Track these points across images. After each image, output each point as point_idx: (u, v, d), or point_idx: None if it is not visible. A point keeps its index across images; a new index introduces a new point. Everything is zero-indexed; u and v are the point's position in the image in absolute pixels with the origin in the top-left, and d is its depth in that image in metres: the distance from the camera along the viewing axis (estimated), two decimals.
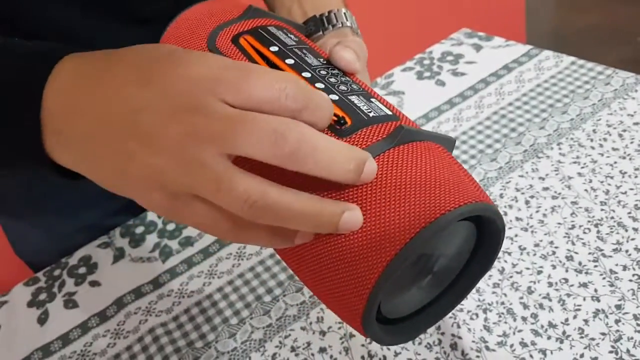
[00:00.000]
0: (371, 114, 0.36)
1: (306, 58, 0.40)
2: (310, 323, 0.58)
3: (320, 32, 0.51)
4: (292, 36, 0.43)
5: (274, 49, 0.40)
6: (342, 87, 0.38)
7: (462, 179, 0.34)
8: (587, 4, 2.74)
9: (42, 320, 0.65)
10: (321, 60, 0.41)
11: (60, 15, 0.59)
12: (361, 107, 0.36)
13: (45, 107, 0.33)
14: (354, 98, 0.37)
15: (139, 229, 0.73)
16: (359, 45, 0.45)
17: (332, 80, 0.38)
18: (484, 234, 0.36)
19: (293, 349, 0.56)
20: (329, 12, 0.52)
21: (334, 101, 0.36)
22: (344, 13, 0.52)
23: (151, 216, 0.75)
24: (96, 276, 0.69)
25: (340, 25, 0.52)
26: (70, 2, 0.59)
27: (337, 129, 0.34)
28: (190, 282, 0.65)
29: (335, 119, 0.35)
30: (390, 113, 0.37)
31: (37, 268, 0.73)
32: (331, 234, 0.33)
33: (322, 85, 0.37)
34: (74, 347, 0.61)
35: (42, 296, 0.68)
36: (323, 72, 0.39)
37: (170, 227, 0.73)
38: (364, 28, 0.54)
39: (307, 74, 0.38)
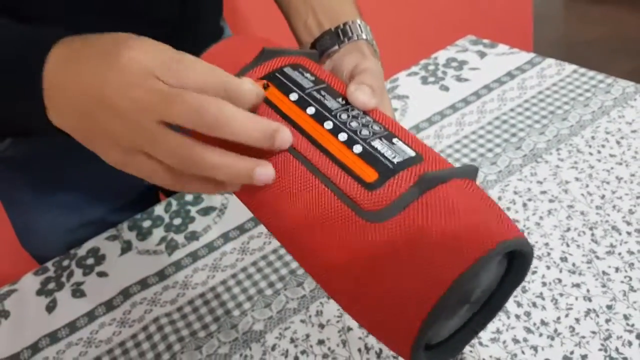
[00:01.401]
0: (395, 160, 0.37)
1: (326, 102, 0.41)
2: (310, 316, 0.60)
3: (337, 46, 0.53)
4: (308, 75, 0.44)
5: (294, 97, 0.42)
6: (364, 132, 0.39)
7: (491, 216, 0.36)
8: (596, 15, 2.75)
9: (51, 308, 0.67)
10: (339, 100, 0.42)
11: (75, 21, 0.61)
12: (385, 154, 0.38)
13: (44, 84, 0.41)
14: (376, 143, 0.38)
15: (147, 223, 0.75)
16: (374, 74, 0.46)
17: (354, 125, 0.40)
18: (513, 259, 0.39)
19: (292, 341, 0.58)
20: (344, 25, 0.53)
21: (358, 154, 0.38)
22: (359, 25, 0.54)
23: (158, 211, 0.77)
24: (104, 267, 0.71)
25: (356, 38, 0.53)
26: (85, 8, 0.61)
27: (365, 183, 0.37)
28: (194, 275, 0.67)
29: (362, 173, 0.37)
30: (413, 154, 0.38)
31: (43, 261, 0.75)
32: (378, 273, 0.35)
33: (345, 136, 0.39)
34: (80, 334, 0.63)
35: (51, 285, 0.70)
36: (344, 117, 0.40)
37: (177, 221, 0.75)
38: (372, 34, 0.56)
39: (329, 124, 0.40)
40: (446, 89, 0.89)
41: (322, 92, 0.42)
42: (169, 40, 0.72)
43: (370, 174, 0.37)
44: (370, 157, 0.38)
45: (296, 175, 0.39)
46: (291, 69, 0.44)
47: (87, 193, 0.78)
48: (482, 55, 0.94)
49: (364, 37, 0.53)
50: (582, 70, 0.85)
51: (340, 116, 0.40)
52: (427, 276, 0.33)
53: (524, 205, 0.66)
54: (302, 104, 0.41)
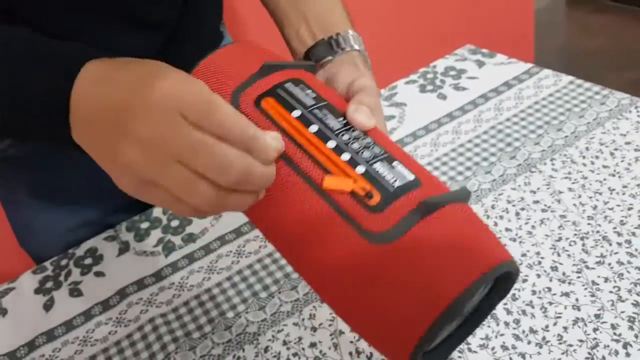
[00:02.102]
0: (396, 184, 0.39)
1: (327, 121, 0.42)
2: (303, 319, 0.61)
3: (330, 57, 0.54)
4: (309, 92, 0.44)
5: (297, 113, 0.42)
6: (366, 154, 0.40)
7: (485, 240, 0.38)
8: (598, 25, 2.76)
9: (48, 306, 0.68)
10: (340, 120, 0.43)
11: (75, 24, 0.62)
12: (386, 177, 0.39)
13: (72, 98, 0.42)
14: (377, 166, 0.40)
15: (144, 224, 0.76)
16: (370, 92, 0.47)
17: (355, 146, 0.41)
18: (500, 275, 0.40)
19: (285, 343, 0.59)
20: (337, 35, 0.54)
21: (361, 174, 0.39)
22: (351, 35, 0.55)
23: (156, 213, 0.78)
24: (101, 267, 0.72)
25: (349, 49, 0.54)
26: (85, 11, 0.62)
27: (368, 205, 0.38)
28: (190, 277, 0.68)
29: (363, 193, 0.38)
30: (412, 178, 0.39)
31: (41, 261, 0.76)
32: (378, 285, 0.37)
33: (348, 156, 0.40)
34: (77, 333, 0.64)
35: (49, 284, 0.71)
36: (346, 137, 0.41)
37: (174, 223, 0.76)
38: (372, 42, 0.57)
39: (332, 144, 0.41)
40: (444, 97, 0.90)
41: (324, 111, 0.43)
42: (168, 44, 0.73)
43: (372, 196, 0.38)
44: (372, 178, 0.39)
45: (299, 193, 0.40)
46: (292, 84, 0.44)
47: (86, 194, 0.79)
48: (481, 64, 0.95)
49: (357, 48, 0.54)
50: (579, 81, 0.86)
51: (342, 136, 0.41)
52: (425, 298, 0.35)
53: (517, 214, 0.67)
54: (305, 121, 0.42)
